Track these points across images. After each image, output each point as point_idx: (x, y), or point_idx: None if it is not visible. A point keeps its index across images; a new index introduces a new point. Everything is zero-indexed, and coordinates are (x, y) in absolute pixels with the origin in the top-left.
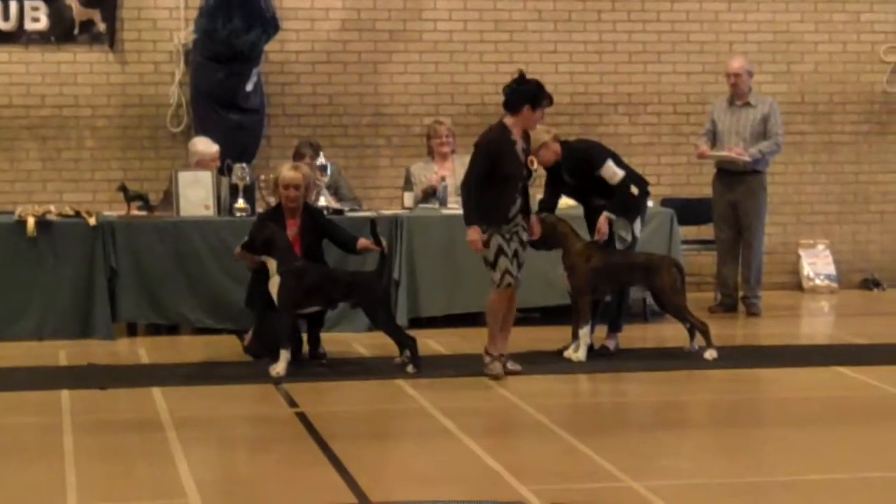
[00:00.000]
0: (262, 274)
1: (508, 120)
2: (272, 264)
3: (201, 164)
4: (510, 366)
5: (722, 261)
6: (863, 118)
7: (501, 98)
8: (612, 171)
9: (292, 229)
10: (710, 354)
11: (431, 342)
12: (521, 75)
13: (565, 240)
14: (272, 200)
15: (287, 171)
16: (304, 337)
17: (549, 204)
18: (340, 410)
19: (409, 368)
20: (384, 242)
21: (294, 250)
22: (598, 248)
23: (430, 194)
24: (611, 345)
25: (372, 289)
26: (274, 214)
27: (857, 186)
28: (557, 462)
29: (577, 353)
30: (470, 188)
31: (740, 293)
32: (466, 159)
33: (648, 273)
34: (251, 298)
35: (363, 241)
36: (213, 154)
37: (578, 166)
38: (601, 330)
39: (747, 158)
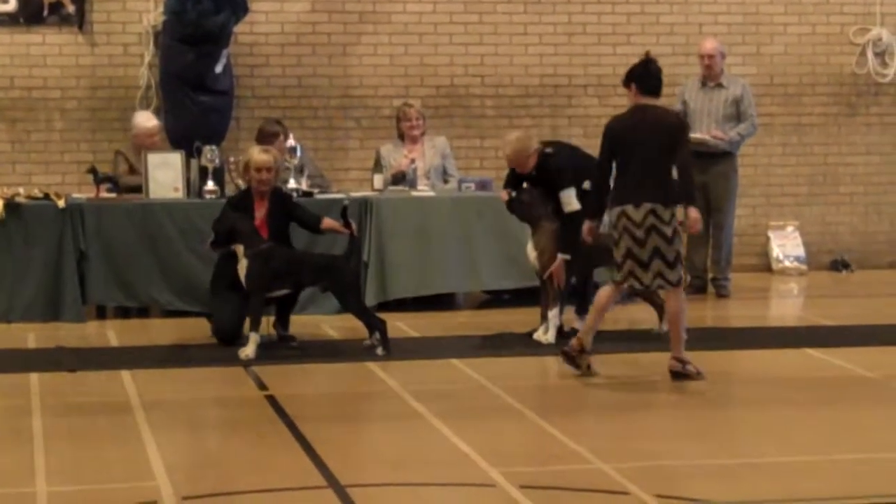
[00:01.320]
0: (229, 258)
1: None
2: (240, 249)
3: (138, 138)
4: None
5: (692, 242)
6: (832, 100)
7: (473, 80)
8: (570, 200)
9: (261, 212)
10: None
11: (401, 325)
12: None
13: (539, 219)
14: (241, 183)
15: (258, 154)
16: (272, 320)
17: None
18: (310, 393)
19: (379, 351)
20: (353, 226)
21: (259, 233)
22: None
23: (399, 178)
24: (580, 326)
25: (341, 272)
26: (242, 198)
27: (827, 168)
28: (527, 444)
29: (547, 336)
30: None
31: (710, 275)
32: (437, 141)
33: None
34: (214, 281)
35: (328, 221)
36: (150, 129)
37: (550, 181)
38: (570, 312)
39: (726, 140)
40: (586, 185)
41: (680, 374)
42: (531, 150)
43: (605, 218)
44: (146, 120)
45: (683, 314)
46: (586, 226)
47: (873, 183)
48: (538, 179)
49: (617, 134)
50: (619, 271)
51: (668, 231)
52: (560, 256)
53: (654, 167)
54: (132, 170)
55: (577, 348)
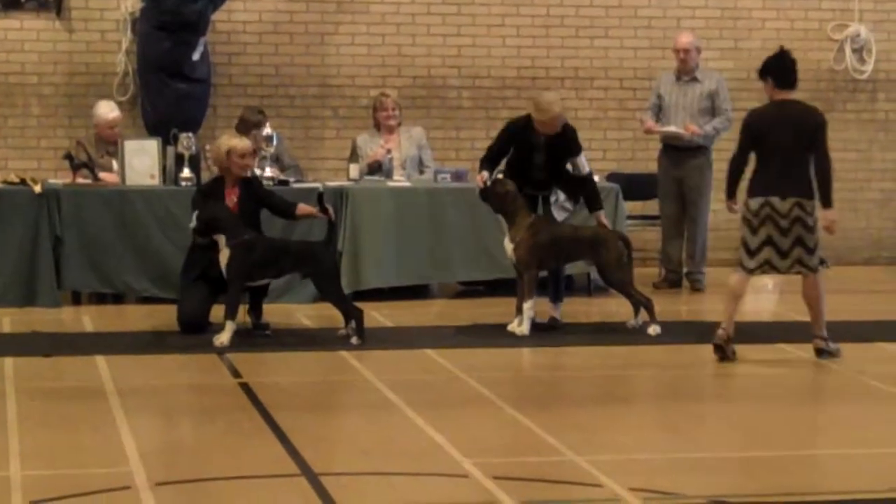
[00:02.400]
0: (201, 245)
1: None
2: (221, 239)
3: (98, 128)
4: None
5: (667, 236)
6: (809, 96)
7: (450, 71)
8: (585, 163)
9: (231, 199)
10: (653, 330)
11: (375, 314)
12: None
13: (516, 212)
14: (217, 171)
15: (239, 141)
16: (245, 308)
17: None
18: (284, 381)
19: (354, 340)
20: (331, 211)
21: (241, 222)
22: (546, 222)
23: (375, 168)
24: (557, 314)
25: (321, 259)
26: (213, 186)
27: None
28: (500, 436)
29: (522, 328)
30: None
31: (685, 269)
32: (414, 132)
33: (595, 248)
34: (185, 269)
35: (302, 207)
36: (111, 121)
37: (566, 146)
38: (544, 303)
39: (701, 135)
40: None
41: (824, 352)
42: (557, 111)
43: (569, 206)
44: (108, 111)
45: (824, 295)
46: (727, 203)
47: (849, 179)
48: (554, 144)
49: (758, 127)
50: (749, 258)
51: (811, 221)
52: (601, 215)
53: (795, 161)
54: (90, 160)
55: (724, 338)
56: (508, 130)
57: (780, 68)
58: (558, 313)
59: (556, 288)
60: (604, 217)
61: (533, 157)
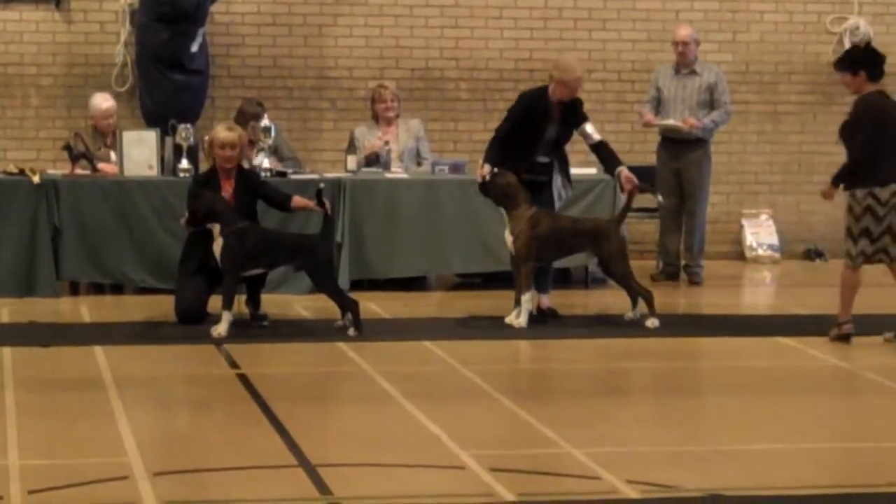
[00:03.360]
0: (199, 237)
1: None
2: (216, 228)
3: (94, 119)
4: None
5: (665, 229)
6: (808, 88)
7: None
8: (593, 130)
9: (227, 190)
10: (651, 322)
11: (373, 305)
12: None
13: (516, 204)
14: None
15: (222, 132)
16: (243, 298)
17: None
18: (281, 372)
19: (351, 331)
20: (328, 205)
21: (236, 211)
22: (546, 215)
23: (373, 160)
24: (547, 303)
25: (316, 252)
26: (208, 177)
27: (802, 157)
28: (497, 428)
29: (519, 320)
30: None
31: (683, 262)
32: (411, 124)
33: (595, 240)
34: (183, 261)
35: (298, 199)
36: (106, 111)
37: (578, 115)
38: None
39: (700, 127)
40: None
41: None
42: (578, 74)
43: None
44: (102, 101)
45: None
46: (829, 189)
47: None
48: (567, 113)
49: (878, 116)
50: (870, 244)
51: None
52: (625, 170)
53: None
54: (88, 151)
55: (848, 331)
56: (525, 99)
57: (874, 61)
58: (550, 302)
59: (546, 278)
60: (627, 171)
61: (546, 129)
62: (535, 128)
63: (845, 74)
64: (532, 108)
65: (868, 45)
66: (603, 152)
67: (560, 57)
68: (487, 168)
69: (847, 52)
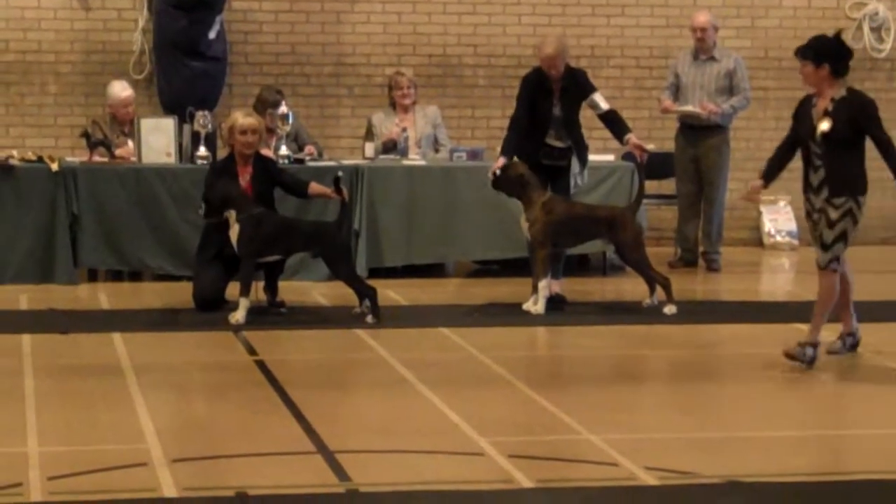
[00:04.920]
0: (217, 224)
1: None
2: (232, 215)
3: (113, 108)
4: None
5: (683, 216)
6: None
7: (465, 50)
8: (601, 99)
9: (244, 178)
10: (669, 309)
11: (391, 293)
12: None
13: (529, 192)
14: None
15: (242, 118)
16: (261, 285)
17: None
18: (299, 359)
19: (369, 319)
20: (345, 192)
21: (251, 198)
22: (561, 201)
23: (390, 147)
24: (560, 289)
25: (332, 238)
26: (225, 164)
27: None
28: (515, 414)
29: (537, 307)
30: None
31: (701, 249)
32: (429, 111)
33: (611, 226)
34: (201, 249)
35: (315, 186)
36: (125, 99)
37: (579, 88)
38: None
39: (718, 113)
40: None
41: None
42: (562, 54)
43: (580, 180)
44: (121, 90)
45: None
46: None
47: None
48: (567, 87)
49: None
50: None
51: None
52: (634, 139)
53: None
54: (106, 138)
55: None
56: (525, 82)
57: (839, 54)
58: (560, 289)
59: (557, 263)
60: (635, 138)
61: (552, 108)
62: (540, 107)
63: (807, 64)
64: (531, 87)
65: (837, 35)
66: (612, 120)
67: (543, 40)
68: (502, 161)
69: (813, 39)
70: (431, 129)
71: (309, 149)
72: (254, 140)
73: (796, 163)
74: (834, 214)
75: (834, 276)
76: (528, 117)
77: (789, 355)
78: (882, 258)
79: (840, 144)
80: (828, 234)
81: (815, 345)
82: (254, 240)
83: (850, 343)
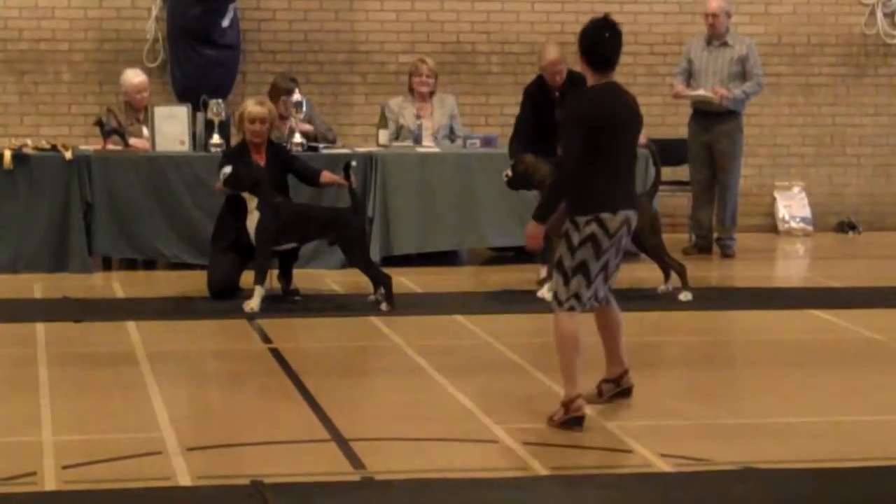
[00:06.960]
0: (231, 213)
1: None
2: (252, 202)
3: (127, 95)
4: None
5: (697, 202)
6: (840, 60)
7: (479, 37)
8: None
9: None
10: (684, 296)
11: (405, 280)
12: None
13: (543, 180)
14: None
15: (252, 106)
16: (275, 273)
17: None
18: (314, 347)
19: (384, 306)
20: (353, 178)
21: (272, 188)
22: None
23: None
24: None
25: (349, 225)
26: (238, 151)
27: (834, 129)
28: (530, 401)
29: (551, 294)
30: None
31: (715, 235)
32: (447, 101)
33: None
34: (216, 237)
35: (327, 175)
36: (138, 85)
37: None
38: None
39: (730, 98)
40: None
41: None
42: (565, 59)
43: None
44: (134, 76)
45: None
46: None
47: (881, 144)
48: (569, 92)
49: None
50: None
51: None
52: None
53: None
54: (120, 126)
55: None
56: (526, 93)
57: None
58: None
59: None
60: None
61: (554, 116)
62: (544, 116)
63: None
64: (533, 99)
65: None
66: None
67: (543, 47)
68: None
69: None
70: (448, 119)
71: (305, 127)
72: (263, 129)
73: (808, 148)
74: None
75: None
76: (534, 128)
77: None
78: None
79: None
80: None
81: None
82: (273, 229)
83: None
